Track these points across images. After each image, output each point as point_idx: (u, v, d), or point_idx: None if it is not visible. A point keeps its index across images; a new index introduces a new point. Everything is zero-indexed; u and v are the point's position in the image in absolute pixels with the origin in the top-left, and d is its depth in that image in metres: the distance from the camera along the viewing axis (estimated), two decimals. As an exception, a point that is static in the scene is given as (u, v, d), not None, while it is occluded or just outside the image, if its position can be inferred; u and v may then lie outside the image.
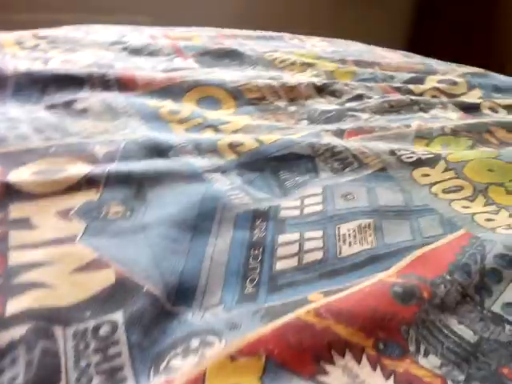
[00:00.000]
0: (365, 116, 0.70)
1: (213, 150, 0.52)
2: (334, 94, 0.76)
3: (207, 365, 0.29)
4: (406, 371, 0.30)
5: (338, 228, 0.44)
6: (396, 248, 0.42)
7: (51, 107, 0.57)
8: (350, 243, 0.42)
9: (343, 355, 0.31)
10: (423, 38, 2.09)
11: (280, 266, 0.39)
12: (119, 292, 0.34)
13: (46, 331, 0.31)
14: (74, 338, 0.31)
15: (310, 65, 0.89)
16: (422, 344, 0.32)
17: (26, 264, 0.36)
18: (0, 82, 0.59)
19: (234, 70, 0.83)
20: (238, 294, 0.36)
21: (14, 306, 0.32)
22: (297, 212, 0.46)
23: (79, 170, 0.45)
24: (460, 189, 0.52)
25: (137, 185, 0.45)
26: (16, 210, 0.41)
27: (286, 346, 0.30)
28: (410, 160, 0.55)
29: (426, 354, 0.32)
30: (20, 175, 0.44)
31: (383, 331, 0.33)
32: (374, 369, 0.30)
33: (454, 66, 1.13)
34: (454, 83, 0.89)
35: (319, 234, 0.43)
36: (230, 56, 0.87)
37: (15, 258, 0.36)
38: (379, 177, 0.52)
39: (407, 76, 0.90)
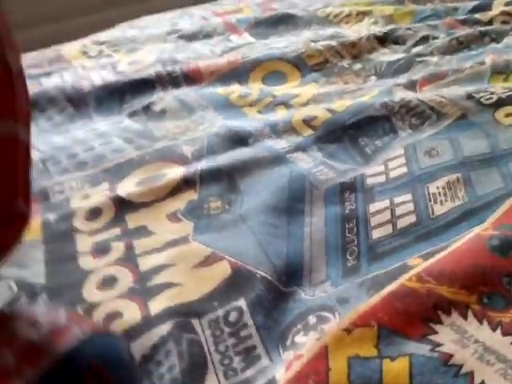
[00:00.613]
0: (434, 59, 0.69)
1: (289, 129, 0.55)
2: (398, 41, 0.75)
3: (327, 339, 0.33)
4: (514, 321, 0.33)
5: (427, 187, 0.45)
6: (489, 199, 0.43)
7: (133, 114, 0.63)
8: (441, 201, 0.44)
9: (450, 314, 0.34)
10: None
11: (376, 234, 0.42)
12: (237, 281, 0.39)
13: (187, 324, 0.36)
14: (209, 326, 0.36)
15: (365, 13, 0.88)
16: (527, 293, 0.34)
17: (154, 267, 0.41)
18: (81, 100, 0.65)
19: (291, 35, 0.84)
20: (341, 267, 0.40)
21: (155, 306, 0.38)
22: (383, 178, 0.48)
23: (175, 173, 0.50)
24: (549, 124, 0.51)
25: (228, 177, 0.50)
26: (132, 220, 0.46)
27: (394, 313, 0.34)
28: (491, 101, 0.55)
29: (532, 303, 0.34)
30: (126, 187, 0.49)
31: (485, 285, 0.35)
32: (481, 322, 0.33)
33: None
34: (526, 1, 0.84)
35: (409, 197, 0.45)
36: (283, 21, 0.88)
37: (144, 263, 0.42)
38: (460, 125, 0.53)
39: (471, 4, 0.86)
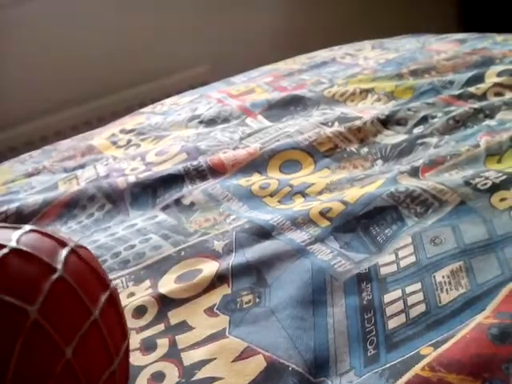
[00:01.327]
0: (434, 140, 0.78)
1: (307, 221, 0.63)
2: (400, 122, 0.84)
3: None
4: (513, 406, 0.39)
5: (434, 276, 0.53)
6: (488, 287, 0.50)
7: (165, 208, 0.71)
8: (446, 290, 0.51)
9: (460, 400, 0.40)
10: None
11: (391, 324, 0.49)
12: (272, 374, 0.46)
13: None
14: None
15: (368, 90, 0.98)
16: (523, 379, 0.41)
17: (197, 362, 0.49)
18: (118, 196, 0.74)
19: (301, 116, 0.93)
20: (363, 357, 0.47)
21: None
22: (394, 267, 0.55)
23: (209, 268, 0.58)
24: (538, 207, 0.59)
25: (256, 271, 0.57)
26: (174, 316, 0.54)
27: (412, 401, 0.40)
28: (486, 187, 0.63)
29: (529, 388, 0.40)
30: (167, 284, 0.57)
31: (487, 372, 0.41)
32: (486, 407, 0.40)
33: (511, 41, 1.15)
34: (515, 72, 0.93)
35: (418, 286, 0.52)
36: (293, 102, 0.98)
37: (187, 358, 0.49)
38: (460, 211, 0.60)
39: (465, 77, 0.95)
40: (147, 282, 0.58)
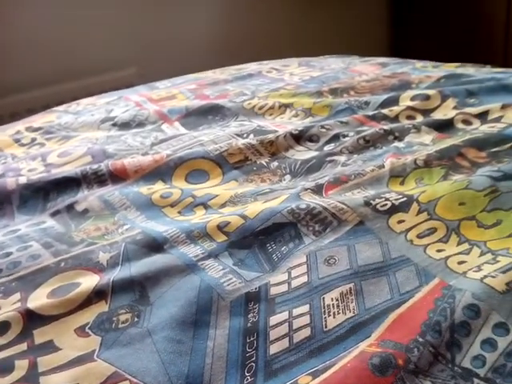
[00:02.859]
0: (343, 158, 0.75)
1: (203, 234, 0.58)
2: (312, 139, 0.81)
3: None
4: None
5: (323, 299, 0.49)
6: (375, 312, 0.47)
7: (55, 213, 0.64)
8: (334, 314, 0.47)
9: None
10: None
11: (273, 349, 0.44)
12: (137, 404, 0.40)
13: None
14: None
15: (287, 105, 0.94)
16: (399, 414, 0.38)
17: (57, 389, 0.42)
18: (5, 198, 0.66)
19: (218, 126, 0.89)
20: (239, 385, 0.42)
21: None
22: (285, 287, 0.51)
23: (88, 282, 0.51)
24: (433, 231, 0.57)
25: (140, 287, 0.51)
26: (40, 335, 0.47)
27: None
28: (385, 208, 0.60)
29: (403, 424, 0.37)
30: (38, 299, 0.50)
31: (365, 407, 0.38)
32: None
33: (430, 67, 1.16)
34: (427, 98, 0.92)
35: (306, 308, 0.48)
36: (212, 112, 0.93)
37: (46, 383, 0.42)
38: (358, 231, 0.57)
39: (381, 98, 0.94)
40: (17, 295, 0.51)
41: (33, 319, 0.48)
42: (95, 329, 0.47)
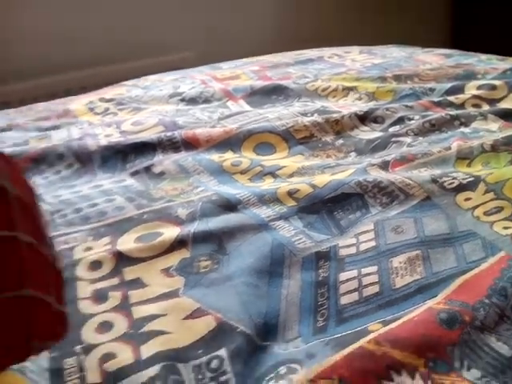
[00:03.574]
0: (408, 140, 0.79)
1: (274, 199, 0.63)
2: (377, 120, 0.85)
3: (295, 389, 0.40)
4: (452, 383, 0.40)
5: (391, 262, 0.53)
6: (442, 276, 0.51)
7: (135, 173, 0.71)
8: (401, 275, 0.52)
9: (400, 374, 0.41)
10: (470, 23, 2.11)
11: (344, 301, 0.49)
12: (220, 333, 0.46)
13: (174, 368, 0.43)
14: (193, 371, 0.43)
15: (350, 88, 0.99)
16: (465, 360, 0.42)
17: (147, 316, 0.48)
18: (87, 158, 0.73)
19: (282, 105, 0.94)
20: (311, 327, 0.47)
21: (146, 351, 0.44)
22: (353, 249, 0.56)
23: (170, 232, 0.58)
24: (500, 209, 0.60)
25: (217, 240, 0.57)
26: (129, 273, 0.53)
27: (353, 370, 0.41)
28: (452, 186, 0.64)
29: (468, 369, 0.41)
30: (126, 243, 0.57)
31: (432, 352, 0.42)
32: (426, 383, 0.40)
33: (495, 60, 1.18)
34: (494, 88, 0.95)
35: (374, 269, 0.53)
36: (275, 92, 0.98)
37: (137, 312, 0.49)
38: (425, 206, 0.61)
39: (447, 86, 0.97)
40: (106, 239, 0.58)
41: (122, 259, 0.55)
42: (179, 271, 0.53)
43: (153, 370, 0.43)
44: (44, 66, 1.45)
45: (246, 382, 0.42)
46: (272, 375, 0.42)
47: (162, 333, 0.46)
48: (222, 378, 0.43)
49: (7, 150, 0.80)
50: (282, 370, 0.43)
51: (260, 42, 1.75)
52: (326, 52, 1.27)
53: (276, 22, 1.85)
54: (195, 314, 0.48)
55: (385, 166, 0.69)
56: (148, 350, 0.45)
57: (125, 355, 0.44)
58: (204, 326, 0.47)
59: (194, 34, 1.64)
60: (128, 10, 1.57)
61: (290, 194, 0.64)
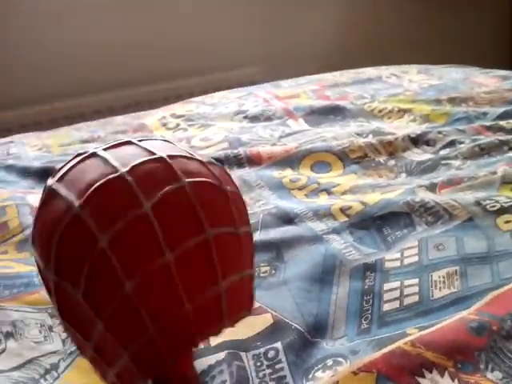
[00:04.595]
0: (457, 163, 0.86)
1: (328, 214, 0.72)
2: (429, 143, 0.92)
3: (339, 377, 0.48)
4: (476, 382, 0.48)
5: (431, 275, 0.61)
6: (477, 290, 0.58)
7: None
8: (440, 288, 0.59)
9: (431, 372, 0.49)
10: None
11: (386, 307, 0.58)
12: (276, 329, 0.55)
13: (237, 355, 0.53)
14: (252, 358, 0.53)
15: (406, 111, 1.06)
16: (489, 364, 0.49)
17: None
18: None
19: (339, 125, 1.03)
20: (356, 329, 0.56)
21: (213, 339, 0.54)
22: (398, 263, 0.64)
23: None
24: (538, 233, 0.67)
25: (276, 249, 0.67)
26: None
27: (390, 366, 0.49)
28: (494, 209, 0.71)
29: (492, 371, 0.49)
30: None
31: (461, 355, 0.50)
32: (453, 380, 0.48)
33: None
34: (547, 113, 1.00)
35: (416, 281, 0.61)
36: (333, 112, 1.07)
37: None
38: (466, 226, 0.69)
39: (500, 110, 1.03)
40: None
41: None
42: (242, 274, 0.63)
43: (219, 356, 0.53)
44: (114, 82, 1.61)
45: (298, 370, 0.51)
46: (320, 366, 0.51)
47: (227, 327, 0.56)
48: (278, 366, 0.52)
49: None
50: (329, 362, 0.52)
51: (323, 57, 1.85)
52: (384, 72, 1.35)
53: (340, 36, 1.94)
54: (255, 312, 0.57)
55: (432, 187, 0.77)
56: (215, 339, 0.55)
57: (196, 342, 0.55)
58: (262, 322, 0.56)
59: (258, 50, 1.76)
60: (193, 26, 1.70)
61: (343, 210, 0.73)
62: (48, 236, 0.36)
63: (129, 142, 0.40)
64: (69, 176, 0.38)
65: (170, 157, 0.39)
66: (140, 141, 0.41)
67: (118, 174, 0.36)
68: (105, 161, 0.38)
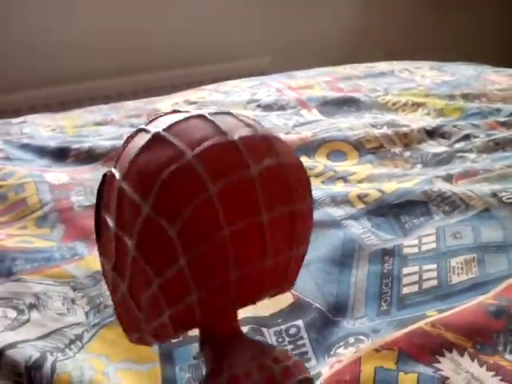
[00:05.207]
0: (472, 156, 0.88)
1: (345, 201, 0.74)
2: (444, 135, 0.94)
3: (362, 353, 0.50)
4: (495, 362, 0.49)
5: (449, 261, 0.63)
6: (494, 277, 0.60)
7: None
8: (458, 273, 0.61)
9: (451, 351, 0.51)
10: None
11: (405, 291, 0.60)
12: (298, 307, 0.57)
13: (259, 330, 0.54)
14: (274, 334, 0.54)
15: (420, 104, 1.08)
16: (507, 346, 0.51)
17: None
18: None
19: (353, 116, 1.05)
20: (376, 310, 0.58)
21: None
22: (416, 249, 0.66)
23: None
24: (554, 224, 0.69)
25: (295, 232, 0.68)
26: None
27: (411, 344, 0.51)
28: (510, 200, 0.73)
29: (510, 352, 0.51)
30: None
31: (480, 337, 0.52)
32: (473, 360, 0.50)
33: None
34: (562, 111, 1.02)
35: (434, 266, 0.63)
36: (348, 103, 1.09)
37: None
38: (483, 217, 0.71)
39: (513, 107, 1.05)
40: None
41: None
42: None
43: (243, 329, 0.54)
44: (124, 68, 1.62)
45: (319, 347, 0.53)
46: (342, 343, 0.53)
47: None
48: (299, 342, 0.54)
49: (105, 143, 0.94)
50: (351, 339, 0.53)
51: (337, 49, 1.86)
52: (396, 66, 1.37)
53: (353, 28, 1.96)
54: (278, 291, 0.59)
55: (449, 178, 0.79)
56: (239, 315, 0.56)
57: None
58: (284, 300, 0.58)
59: (271, 39, 1.78)
60: (205, 14, 1.72)
61: (360, 197, 0.75)
62: (152, 175, 0.38)
63: (229, 113, 0.43)
64: (176, 129, 0.40)
65: (267, 135, 0.42)
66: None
67: (229, 139, 0.39)
68: (213, 124, 0.40)
